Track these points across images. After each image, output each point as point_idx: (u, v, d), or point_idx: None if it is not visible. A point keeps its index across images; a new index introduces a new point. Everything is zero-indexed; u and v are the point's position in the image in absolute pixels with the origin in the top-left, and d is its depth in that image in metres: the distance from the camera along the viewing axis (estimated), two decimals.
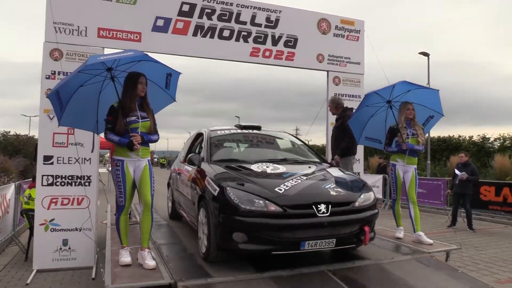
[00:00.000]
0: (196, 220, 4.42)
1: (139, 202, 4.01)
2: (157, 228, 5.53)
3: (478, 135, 18.18)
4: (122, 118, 3.76)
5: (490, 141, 17.61)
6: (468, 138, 18.62)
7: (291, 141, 5.76)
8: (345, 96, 7.19)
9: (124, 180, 3.82)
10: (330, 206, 3.68)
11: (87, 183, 5.67)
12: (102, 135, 4.40)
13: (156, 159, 59.72)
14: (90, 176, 5.71)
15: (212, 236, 3.75)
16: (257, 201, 3.61)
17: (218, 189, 3.80)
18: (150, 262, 3.71)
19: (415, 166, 5.12)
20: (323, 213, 3.63)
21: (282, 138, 5.72)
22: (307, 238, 3.58)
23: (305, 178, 4.08)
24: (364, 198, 4.03)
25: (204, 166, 4.52)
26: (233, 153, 5.28)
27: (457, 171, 9.51)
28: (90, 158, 5.72)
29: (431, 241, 4.84)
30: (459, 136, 19.19)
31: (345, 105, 6.22)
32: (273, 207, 3.57)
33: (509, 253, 7.11)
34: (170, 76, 4.20)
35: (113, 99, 3.92)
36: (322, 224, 3.60)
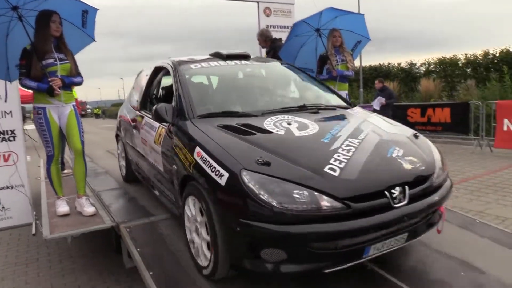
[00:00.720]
0: (179, 208, 2.96)
1: (70, 151, 3.85)
2: (94, 176, 5.39)
3: (406, 62, 19.07)
4: (37, 61, 3.47)
5: (416, 66, 18.56)
6: (397, 65, 19.47)
7: (293, 74, 4.08)
8: (277, 28, 7.13)
9: (49, 128, 3.60)
10: (407, 188, 2.36)
11: (11, 138, 5.30)
12: (18, 85, 4.07)
13: (89, 110, 56.86)
14: (13, 130, 5.32)
15: (221, 249, 2.35)
16: (299, 193, 2.15)
17: (226, 173, 2.30)
18: (89, 209, 3.65)
19: (346, 92, 5.30)
20: (400, 200, 2.31)
21: (280, 71, 4.17)
22: (374, 240, 2.30)
23: (356, 142, 2.62)
24: (438, 165, 2.71)
25: (186, 125, 2.93)
26: (226, 101, 3.47)
27: (377, 100, 10.00)
28: (11, 111, 5.30)
29: None
30: (389, 64, 19.99)
31: (273, 37, 6.18)
32: (327, 202, 2.15)
33: None
34: (87, 14, 3.92)
35: (24, 41, 3.58)
36: (401, 219, 2.30)
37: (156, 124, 3.45)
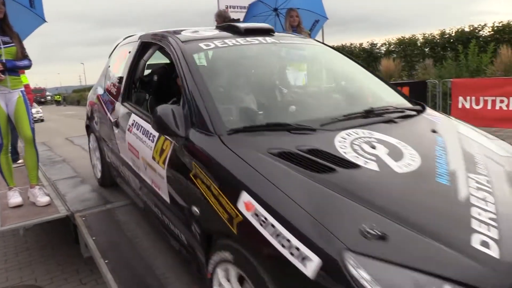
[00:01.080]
0: (190, 254, 2.13)
1: (19, 139, 3.70)
2: (51, 165, 5.21)
3: (367, 42, 19.34)
4: None
5: (377, 47, 18.85)
6: (358, 46, 19.72)
7: (334, 55, 3.14)
8: (237, 8, 7.03)
9: None
10: None
11: None
12: None
13: (49, 97, 54.82)
14: None
15: None
16: None
17: (314, 258, 1.32)
18: (43, 199, 3.53)
19: (305, 72, 5.33)
20: None
21: (320, 51, 3.19)
22: None
23: (485, 181, 1.74)
24: None
25: (214, 147, 1.89)
26: (263, 103, 2.39)
27: None
28: None
29: None
30: (351, 44, 20.22)
31: (232, 17, 6.10)
32: None
33: None
34: None
35: None
36: None
37: (156, 134, 2.37)
